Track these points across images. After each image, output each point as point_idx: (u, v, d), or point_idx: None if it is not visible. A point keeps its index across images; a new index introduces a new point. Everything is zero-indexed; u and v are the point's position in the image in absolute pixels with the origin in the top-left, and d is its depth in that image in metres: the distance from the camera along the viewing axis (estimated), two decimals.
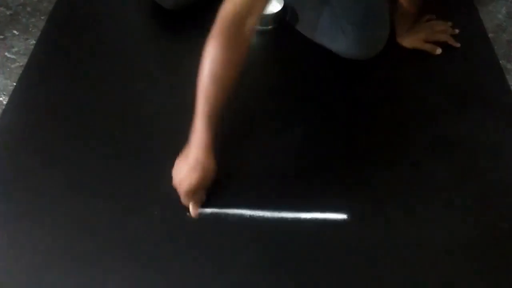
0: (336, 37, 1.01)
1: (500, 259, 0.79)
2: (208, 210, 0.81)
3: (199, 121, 0.74)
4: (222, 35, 0.72)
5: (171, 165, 0.87)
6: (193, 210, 0.80)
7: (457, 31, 1.10)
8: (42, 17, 1.14)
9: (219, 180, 0.81)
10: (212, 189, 0.83)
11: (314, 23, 1.04)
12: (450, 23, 1.11)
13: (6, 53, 1.07)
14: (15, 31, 1.12)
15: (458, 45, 1.09)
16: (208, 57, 0.72)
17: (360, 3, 0.98)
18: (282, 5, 1.10)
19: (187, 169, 0.76)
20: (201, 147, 0.75)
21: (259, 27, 1.11)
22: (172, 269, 0.75)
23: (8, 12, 1.16)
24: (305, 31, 1.08)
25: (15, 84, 1.00)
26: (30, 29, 1.12)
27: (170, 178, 0.85)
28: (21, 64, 1.05)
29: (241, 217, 0.81)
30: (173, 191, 0.83)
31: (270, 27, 1.12)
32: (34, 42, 1.08)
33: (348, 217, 0.82)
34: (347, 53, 1.02)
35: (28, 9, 1.17)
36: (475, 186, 0.88)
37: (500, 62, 1.09)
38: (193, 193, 0.78)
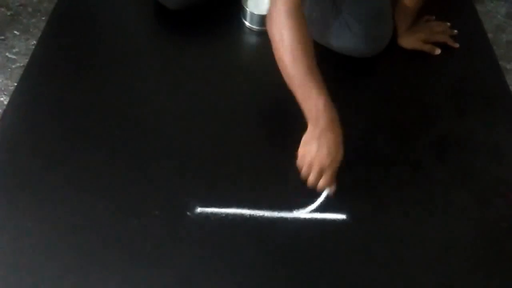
0: (341, 34, 1.01)
1: (499, 258, 0.80)
2: (208, 210, 0.82)
3: (321, 101, 0.73)
4: (287, 12, 0.75)
5: (172, 164, 0.87)
6: (320, 189, 0.78)
7: (456, 31, 1.11)
8: (42, 18, 1.15)
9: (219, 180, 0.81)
10: (212, 189, 0.83)
11: (317, 22, 1.05)
12: (449, 24, 1.12)
13: (7, 54, 1.07)
14: (16, 32, 1.12)
15: (457, 45, 1.09)
16: (286, 33, 0.74)
17: (365, 1, 0.99)
18: None
19: (325, 150, 0.74)
20: (336, 124, 0.75)
21: (260, 28, 1.11)
22: (173, 269, 0.76)
23: (8, 13, 1.17)
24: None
25: (15, 84, 1.00)
26: (31, 30, 1.12)
27: (171, 177, 0.85)
28: (21, 64, 1.05)
29: (241, 217, 0.81)
30: (174, 191, 0.84)
31: None
32: (34, 42, 1.09)
33: (347, 217, 0.82)
34: (352, 50, 1.02)
35: (29, 9, 1.18)
36: (474, 186, 0.88)
37: (500, 62, 1.10)
38: (322, 172, 0.76)
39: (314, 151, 0.75)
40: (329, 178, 0.76)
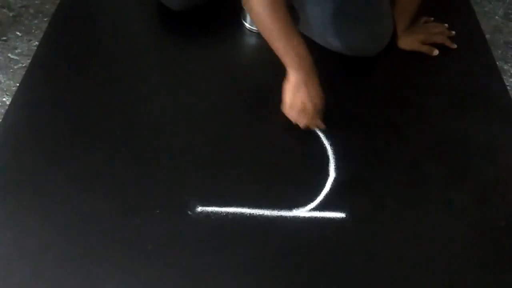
0: (339, 34, 1.01)
1: (499, 257, 0.80)
2: (209, 209, 0.82)
3: (288, 54, 0.79)
4: None
5: (173, 164, 0.88)
6: (322, 125, 0.88)
7: (453, 33, 1.11)
8: (44, 19, 1.16)
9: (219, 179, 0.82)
10: (212, 188, 0.84)
11: (316, 21, 1.05)
12: (446, 25, 1.12)
13: (9, 54, 1.08)
14: (18, 33, 1.13)
15: (455, 46, 1.10)
16: (261, 3, 0.78)
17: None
18: None
19: (314, 92, 0.82)
20: (308, 71, 0.81)
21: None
22: (173, 267, 0.76)
23: (11, 14, 1.18)
24: (307, 30, 1.09)
25: (18, 85, 1.00)
26: (33, 31, 1.13)
27: (171, 177, 0.86)
28: (24, 65, 1.06)
29: (241, 216, 0.82)
30: (174, 190, 0.84)
31: None
32: (37, 43, 1.09)
33: (347, 216, 0.82)
34: (352, 50, 1.02)
35: (31, 11, 1.18)
36: (473, 185, 0.89)
37: (497, 63, 1.10)
38: (315, 116, 0.85)
39: (305, 96, 0.81)
40: (321, 117, 0.85)
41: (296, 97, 0.84)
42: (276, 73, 1.07)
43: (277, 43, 0.80)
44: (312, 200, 0.84)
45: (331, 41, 1.05)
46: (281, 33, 0.79)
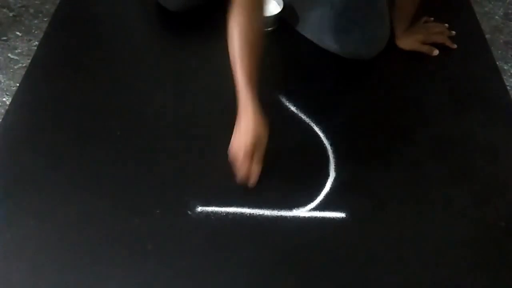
0: (337, 37, 1.02)
1: (499, 258, 0.80)
2: (208, 209, 0.82)
3: (241, 87, 0.79)
4: (244, 8, 0.79)
5: (173, 163, 0.88)
6: (255, 175, 0.81)
7: (454, 33, 1.12)
8: (44, 19, 1.16)
9: (219, 179, 0.82)
10: (212, 188, 0.84)
11: (315, 24, 1.06)
12: (447, 25, 1.12)
13: (9, 54, 1.09)
14: (18, 33, 1.13)
15: (455, 46, 1.10)
16: (236, 27, 0.79)
17: (360, 2, 1.00)
18: (281, 7, 1.11)
19: (240, 135, 0.80)
20: (249, 114, 0.79)
21: None
22: (173, 267, 0.76)
23: (11, 14, 1.18)
24: (305, 32, 1.09)
25: (18, 85, 1.01)
26: (33, 31, 1.14)
27: (171, 177, 0.86)
28: (24, 65, 1.06)
29: (241, 216, 0.82)
30: (174, 190, 0.84)
31: (270, 28, 1.13)
32: (37, 43, 1.10)
33: (347, 216, 0.83)
34: (349, 53, 1.03)
35: (31, 11, 1.19)
36: (473, 186, 0.89)
37: (497, 63, 1.10)
38: (250, 155, 0.79)
39: (232, 141, 0.81)
40: (241, 164, 0.80)
41: (234, 139, 0.81)
42: (276, 73, 1.07)
43: (239, 74, 0.79)
44: (312, 200, 0.84)
45: (329, 44, 1.05)
46: (237, 77, 0.78)
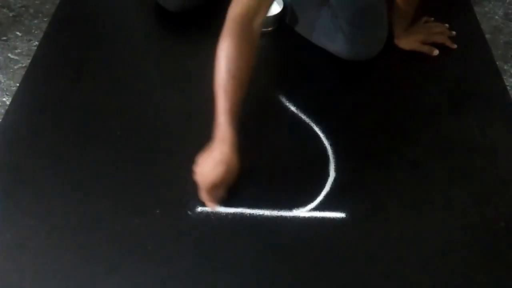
0: (336, 38, 1.02)
1: (498, 257, 0.80)
2: (209, 209, 0.82)
3: (222, 117, 0.77)
4: (234, 35, 0.76)
5: (173, 163, 0.88)
6: (211, 205, 0.81)
7: (454, 33, 1.12)
8: (44, 19, 1.16)
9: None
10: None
11: (314, 24, 1.06)
12: (447, 25, 1.13)
13: (9, 54, 1.08)
14: (18, 33, 1.13)
15: (455, 46, 1.10)
16: (223, 56, 0.76)
17: (359, 3, 1.00)
18: (281, 7, 1.11)
19: (211, 164, 0.77)
20: (226, 142, 0.77)
21: None
22: (173, 267, 0.76)
23: (11, 14, 1.18)
24: (305, 33, 1.10)
25: (18, 85, 1.01)
26: (33, 31, 1.13)
27: (171, 177, 0.86)
28: (24, 65, 1.06)
29: (241, 216, 0.82)
30: (174, 190, 0.84)
31: (269, 29, 1.13)
32: (36, 43, 1.09)
33: (347, 216, 0.83)
34: (347, 54, 1.03)
35: (31, 11, 1.18)
36: (473, 185, 0.89)
37: (497, 63, 1.10)
38: (215, 187, 0.79)
39: (199, 162, 0.80)
40: (204, 192, 0.79)
41: (203, 161, 0.80)
42: (276, 73, 1.08)
43: (220, 100, 0.77)
44: (312, 200, 0.84)
45: (328, 45, 1.05)
46: (218, 103, 0.76)
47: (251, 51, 0.79)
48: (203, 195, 0.81)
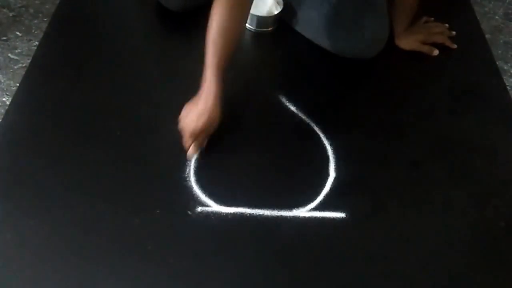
0: (338, 36, 1.02)
1: (498, 258, 0.80)
2: (208, 209, 0.82)
3: (209, 71, 0.82)
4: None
5: (173, 164, 0.88)
6: (191, 151, 0.86)
7: (454, 33, 1.12)
8: (44, 19, 1.16)
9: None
10: (212, 188, 0.84)
11: (315, 23, 1.06)
12: (447, 25, 1.13)
13: (9, 54, 1.09)
14: (18, 33, 1.13)
15: (455, 46, 1.10)
16: (216, 14, 0.82)
17: (361, 1, 1.00)
18: (281, 7, 1.11)
19: (195, 114, 0.83)
20: (210, 95, 0.82)
21: (259, 29, 1.12)
22: (173, 267, 0.76)
23: (11, 14, 1.18)
24: (306, 32, 1.09)
25: (18, 84, 1.01)
26: (33, 31, 1.13)
27: (171, 177, 0.86)
28: (24, 65, 1.06)
29: (241, 216, 0.82)
30: (174, 191, 0.84)
31: (269, 29, 1.13)
32: (37, 43, 1.10)
33: (347, 216, 0.83)
34: (349, 52, 1.03)
35: (31, 11, 1.19)
36: (473, 185, 0.89)
37: (497, 62, 1.11)
38: (196, 136, 0.85)
39: (183, 112, 0.86)
40: (186, 140, 0.85)
41: (188, 110, 0.85)
42: (276, 73, 1.08)
43: (209, 55, 0.82)
44: (312, 200, 0.84)
45: (328, 44, 1.05)
46: (207, 59, 0.82)
47: (242, 12, 0.86)
48: (185, 142, 0.85)
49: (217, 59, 0.82)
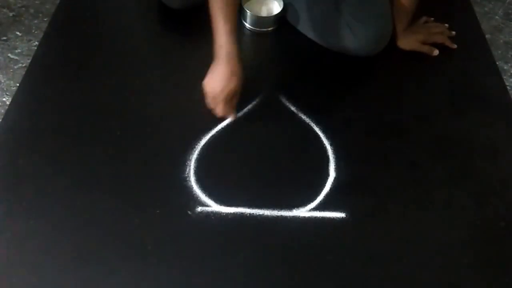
0: (342, 34, 1.02)
1: (498, 257, 0.80)
2: (208, 209, 0.82)
3: (224, 37, 0.85)
4: None
5: (173, 163, 0.88)
6: (232, 115, 0.92)
7: (454, 33, 1.12)
8: (44, 19, 1.16)
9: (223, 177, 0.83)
10: (212, 188, 0.84)
11: (317, 22, 1.06)
12: (447, 25, 1.13)
13: (9, 54, 1.08)
14: (18, 33, 1.13)
15: (455, 46, 1.10)
16: None
17: None
18: (281, 7, 1.11)
19: (224, 78, 0.86)
20: (233, 57, 0.86)
21: (260, 29, 1.12)
22: (173, 267, 0.76)
23: (11, 14, 1.18)
24: (307, 31, 1.09)
25: (18, 85, 1.01)
26: (33, 31, 1.13)
27: (171, 177, 0.86)
28: (24, 65, 1.06)
29: (241, 216, 0.82)
30: (174, 190, 0.84)
31: (269, 29, 1.13)
32: (37, 43, 1.09)
33: (347, 216, 0.83)
34: (353, 50, 1.03)
35: (31, 10, 1.18)
36: (473, 185, 0.89)
37: (497, 63, 1.11)
38: (232, 98, 0.89)
39: (209, 81, 0.88)
40: (223, 105, 0.88)
41: (205, 82, 0.88)
42: (276, 73, 1.08)
43: (212, 23, 0.85)
44: (312, 200, 0.84)
45: (331, 42, 1.05)
46: (214, 18, 0.84)
47: None
48: (220, 109, 0.89)
49: (229, 25, 0.84)
